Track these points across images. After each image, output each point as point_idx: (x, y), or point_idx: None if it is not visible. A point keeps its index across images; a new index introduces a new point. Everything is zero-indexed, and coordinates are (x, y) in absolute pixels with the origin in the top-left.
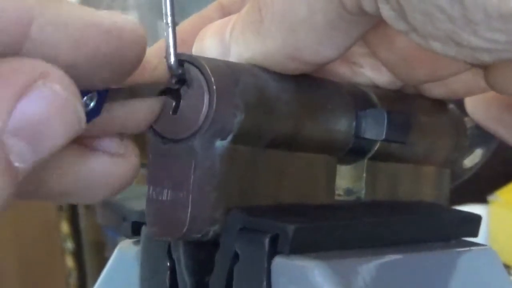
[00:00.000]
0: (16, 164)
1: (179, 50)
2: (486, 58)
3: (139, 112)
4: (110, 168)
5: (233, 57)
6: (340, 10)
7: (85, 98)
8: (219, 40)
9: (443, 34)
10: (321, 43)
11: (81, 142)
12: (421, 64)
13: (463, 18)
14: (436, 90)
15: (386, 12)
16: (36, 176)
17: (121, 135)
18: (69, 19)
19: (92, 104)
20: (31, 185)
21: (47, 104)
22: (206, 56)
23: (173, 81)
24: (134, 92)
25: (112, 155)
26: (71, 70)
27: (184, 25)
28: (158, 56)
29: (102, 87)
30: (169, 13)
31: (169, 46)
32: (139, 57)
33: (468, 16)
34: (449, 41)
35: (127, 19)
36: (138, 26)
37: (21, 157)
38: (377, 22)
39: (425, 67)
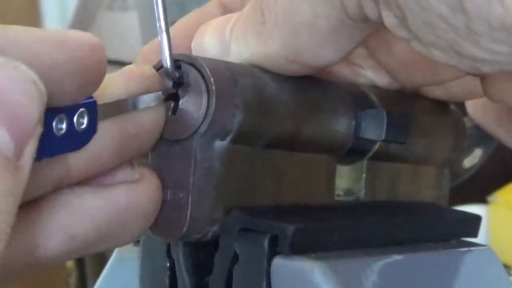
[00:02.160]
0: (4, 152)
1: (180, 45)
2: (487, 69)
3: (148, 123)
4: (132, 196)
5: (232, 56)
6: (342, 15)
7: (75, 116)
8: (219, 38)
9: (445, 44)
10: (323, 47)
11: (98, 183)
12: (419, 69)
13: (466, 28)
14: (435, 92)
15: (389, 20)
16: (69, 228)
17: (132, 163)
18: (19, 37)
19: (85, 121)
20: (67, 242)
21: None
22: (205, 53)
23: (170, 84)
24: (128, 104)
25: (129, 183)
26: None
27: (185, 20)
28: (147, 59)
29: (75, 101)
30: (162, 17)
31: (164, 50)
32: (100, 65)
33: (470, 26)
34: (450, 51)
35: (77, 31)
36: (90, 35)
37: (3, 144)
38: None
39: (423, 72)
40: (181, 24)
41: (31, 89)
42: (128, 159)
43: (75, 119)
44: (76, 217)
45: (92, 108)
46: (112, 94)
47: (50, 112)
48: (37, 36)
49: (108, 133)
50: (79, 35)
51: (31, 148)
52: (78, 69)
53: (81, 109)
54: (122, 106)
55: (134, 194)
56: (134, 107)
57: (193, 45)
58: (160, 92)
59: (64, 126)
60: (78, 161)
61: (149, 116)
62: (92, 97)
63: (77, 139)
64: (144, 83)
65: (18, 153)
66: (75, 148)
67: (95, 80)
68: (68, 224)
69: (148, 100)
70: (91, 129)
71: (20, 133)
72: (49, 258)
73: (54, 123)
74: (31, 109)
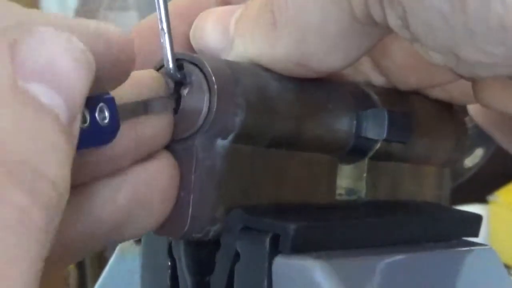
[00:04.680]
0: (54, 109)
1: (176, 27)
2: (482, 72)
3: (160, 126)
4: (148, 172)
5: (235, 51)
6: (351, 19)
7: (96, 110)
8: (221, 30)
9: (443, 44)
10: (330, 53)
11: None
12: (415, 72)
13: (464, 28)
14: (434, 93)
15: (393, 21)
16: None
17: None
18: (56, 20)
19: (107, 116)
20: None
21: (51, 45)
22: (207, 45)
23: (172, 84)
24: (142, 106)
25: (144, 161)
26: None
27: (180, 1)
28: (143, 37)
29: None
30: (163, 19)
31: (167, 52)
32: (131, 60)
33: (469, 26)
34: (448, 52)
35: (107, 25)
36: (121, 30)
37: (61, 112)
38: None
39: (419, 75)
40: (176, 3)
41: (83, 59)
42: (141, 159)
43: (96, 113)
44: (98, 200)
45: (111, 104)
46: (125, 99)
47: None
48: (74, 22)
49: (127, 135)
50: (113, 28)
51: (78, 121)
52: (111, 61)
53: (101, 104)
54: (137, 108)
55: (149, 170)
56: (147, 110)
57: (192, 33)
58: (169, 96)
59: (87, 119)
60: (102, 161)
61: (161, 118)
62: (109, 94)
63: (103, 134)
64: (154, 85)
65: (71, 122)
66: (102, 143)
67: (123, 75)
68: (92, 207)
69: (159, 103)
70: (114, 123)
71: (73, 102)
72: (79, 241)
73: None
74: (83, 79)
